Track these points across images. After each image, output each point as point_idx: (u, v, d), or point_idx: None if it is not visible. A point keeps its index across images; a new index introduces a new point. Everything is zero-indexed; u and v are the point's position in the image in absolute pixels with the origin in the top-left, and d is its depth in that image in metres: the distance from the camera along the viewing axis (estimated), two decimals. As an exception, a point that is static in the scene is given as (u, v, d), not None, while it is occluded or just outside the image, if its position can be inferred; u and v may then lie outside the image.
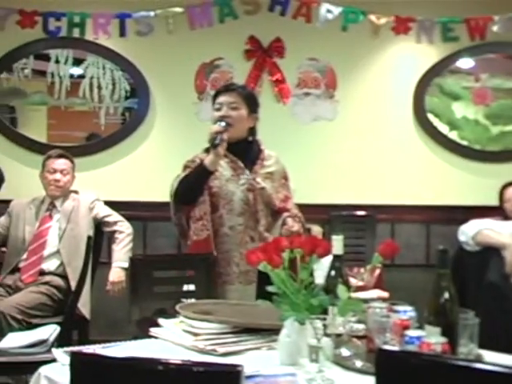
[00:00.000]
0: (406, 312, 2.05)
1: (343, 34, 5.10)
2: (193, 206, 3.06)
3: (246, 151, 3.17)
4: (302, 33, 5.13)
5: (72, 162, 4.33)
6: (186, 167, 3.15)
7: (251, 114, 3.17)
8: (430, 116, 5.30)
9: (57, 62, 5.20)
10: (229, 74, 5.23)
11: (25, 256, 4.09)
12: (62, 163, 4.27)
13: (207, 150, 3.11)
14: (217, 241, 3.05)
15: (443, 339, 1.85)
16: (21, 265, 4.08)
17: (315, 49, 5.24)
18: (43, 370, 1.93)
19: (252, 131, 3.20)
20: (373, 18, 5.09)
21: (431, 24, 5.13)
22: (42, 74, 5.22)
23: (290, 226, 3.10)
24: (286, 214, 3.15)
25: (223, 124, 3.03)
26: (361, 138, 5.30)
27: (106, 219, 4.23)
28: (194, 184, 3.06)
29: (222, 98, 3.15)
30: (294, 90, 5.26)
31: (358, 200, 5.20)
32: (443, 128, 5.31)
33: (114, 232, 4.20)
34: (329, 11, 5.01)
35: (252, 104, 3.19)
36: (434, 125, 5.30)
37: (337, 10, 5.02)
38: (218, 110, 3.13)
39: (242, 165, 3.13)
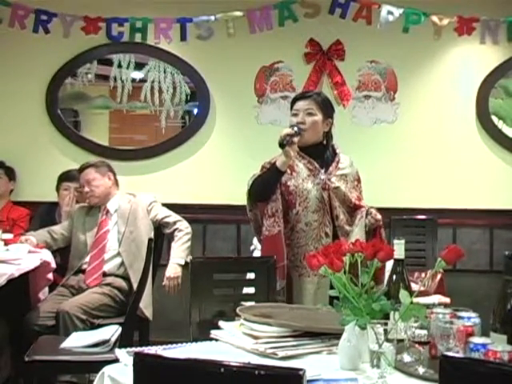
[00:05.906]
0: (470, 318, 2.01)
1: (404, 35, 5.03)
2: (266, 203, 3.20)
3: (321, 154, 3.32)
4: (362, 35, 5.09)
5: (97, 167, 4.35)
6: (262, 167, 3.30)
7: (326, 120, 3.32)
8: (494, 118, 5.18)
9: (119, 66, 5.30)
10: (289, 77, 5.23)
11: (87, 260, 4.18)
12: (84, 175, 4.35)
13: None
14: (293, 236, 3.21)
15: (510, 347, 1.80)
16: (84, 268, 4.16)
17: (375, 51, 5.19)
18: (107, 369, 1.96)
19: (327, 135, 3.35)
20: (435, 18, 5.00)
21: (496, 24, 5.01)
22: (105, 78, 5.32)
23: (375, 213, 3.24)
24: (364, 209, 3.28)
25: (296, 129, 3.16)
26: (422, 141, 5.22)
27: (166, 220, 4.26)
28: (266, 183, 3.21)
29: (298, 105, 3.31)
30: (354, 93, 5.22)
31: (419, 204, 5.13)
32: (508, 130, 5.19)
33: (174, 231, 4.24)
34: (390, 13, 4.95)
35: (327, 110, 3.34)
36: (499, 127, 5.19)
37: (398, 12, 4.96)
38: (295, 115, 3.29)
39: (317, 166, 3.27)
